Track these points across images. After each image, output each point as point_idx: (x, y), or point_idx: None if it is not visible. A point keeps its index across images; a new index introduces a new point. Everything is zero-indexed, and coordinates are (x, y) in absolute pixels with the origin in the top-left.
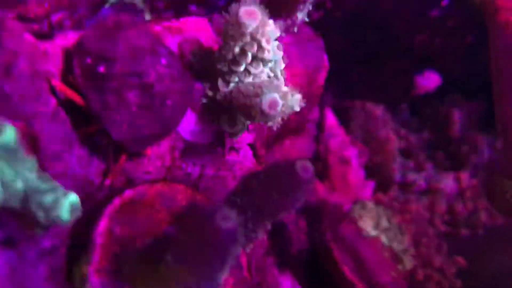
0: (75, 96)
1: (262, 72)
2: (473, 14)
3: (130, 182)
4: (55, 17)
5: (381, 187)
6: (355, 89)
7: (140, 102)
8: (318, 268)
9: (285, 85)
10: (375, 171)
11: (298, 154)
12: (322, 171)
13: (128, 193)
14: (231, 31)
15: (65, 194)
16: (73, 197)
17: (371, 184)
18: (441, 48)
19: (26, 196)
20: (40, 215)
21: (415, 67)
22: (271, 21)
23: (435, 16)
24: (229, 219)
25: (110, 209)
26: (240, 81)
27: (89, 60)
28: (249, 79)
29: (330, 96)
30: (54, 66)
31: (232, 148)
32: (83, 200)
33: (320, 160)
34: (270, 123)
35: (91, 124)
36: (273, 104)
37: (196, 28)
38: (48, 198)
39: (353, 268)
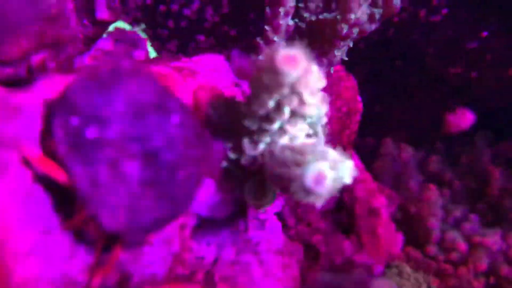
0: (55, 171)
1: (301, 130)
2: None
3: (126, 280)
4: (36, 58)
5: (412, 241)
6: (378, 125)
7: (143, 177)
8: None
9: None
10: (409, 224)
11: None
12: (347, 224)
13: None
14: (265, 80)
15: None
16: None
17: (400, 237)
18: (476, 82)
19: None
20: None
21: (446, 102)
22: (315, 67)
23: (472, 48)
24: None
25: None
26: (273, 142)
27: (75, 121)
28: (285, 140)
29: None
30: (29, 127)
31: (257, 220)
32: None
33: (344, 211)
34: (314, 201)
35: (76, 208)
36: (320, 178)
37: (212, 68)
38: None
39: None
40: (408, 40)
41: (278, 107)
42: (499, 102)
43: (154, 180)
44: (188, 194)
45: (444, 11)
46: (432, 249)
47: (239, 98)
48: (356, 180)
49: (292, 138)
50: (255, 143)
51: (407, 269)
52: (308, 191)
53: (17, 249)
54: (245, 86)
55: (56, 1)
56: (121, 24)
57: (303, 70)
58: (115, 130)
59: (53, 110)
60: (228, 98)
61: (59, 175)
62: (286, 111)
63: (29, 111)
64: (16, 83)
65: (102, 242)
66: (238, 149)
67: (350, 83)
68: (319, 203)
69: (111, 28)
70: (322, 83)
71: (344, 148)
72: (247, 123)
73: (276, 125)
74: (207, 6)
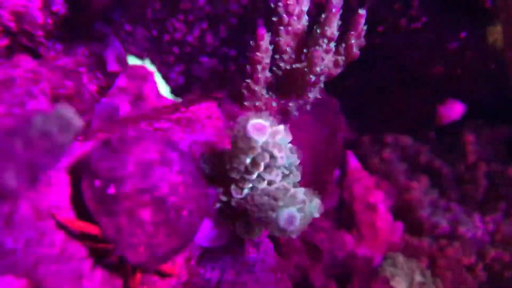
0: (87, 227)
1: (277, 175)
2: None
3: None
4: None
5: (409, 229)
6: (374, 124)
7: (155, 219)
8: None
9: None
10: (403, 214)
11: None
12: (348, 220)
13: None
14: (240, 145)
15: None
16: None
17: (399, 226)
18: (462, 77)
19: None
20: None
21: (435, 97)
22: (281, 127)
23: (453, 48)
24: None
25: None
26: (254, 187)
27: (98, 183)
28: (264, 184)
29: (349, 132)
30: (58, 194)
31: (252, 244)
32: None
33: (345, 208)
34: (289, 236)
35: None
36: (291, 220)
37: (207, 115)
38: None
39: None
40: (394, 46)
41: (254, 162)
42: (485, 93)
43: (164, 220)
44: (193, 227)
45: (424, 19)
46: (426, 239)
47: (228, 142)
48: (353, 179)
49: (270, 182)
50: (240, 188)
51: (400, 258)
52: (282, 231)
53: None
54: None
55: (74, 83)
56: (131, 59)
57: (270, 134)
58: (129, 186)
59: (80, 176)
60: (216, 151)
61: (92, 229)
62: (261, 165)
63: (57, 182)
64: None
65: (128, 277)
66: (228, 193)
67: (332, 107)
68: (294, 236)
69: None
70: (289, 138)
71: (331, 161)
72: (231, 174)
73: (254, 176)
74: (207, 33)
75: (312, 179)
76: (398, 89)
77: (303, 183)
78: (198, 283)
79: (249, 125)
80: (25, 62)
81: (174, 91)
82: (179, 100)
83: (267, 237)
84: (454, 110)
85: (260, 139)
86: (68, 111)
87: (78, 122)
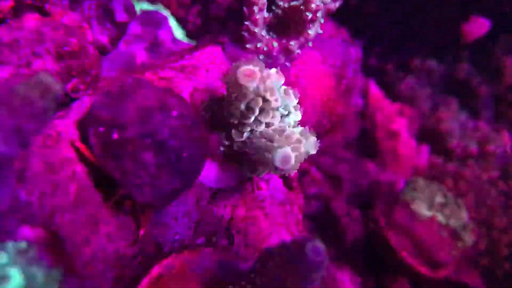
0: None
1: (274, 117)
2: None
3: (160, 248)
4: (69, 85)
5: (437, 151)
6: (399, 49)
7: (157, 162)
8: (376, 254)
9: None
10: (430, 138)
11: (342, 146)
12: (372, 148)
13: (155, 270)
14: (233, 93)
15: None
16: None
17: (425, 149)
18: None
19: None
20: None
21: (461, 15)
22: (272, 71)
23: None
24: None
25: None
26: (253, 130)
27: (102, 129)
28: (262, 127)
29: (376, 60)
30: (69, 148)
31: (262, 180)
32: (118, 277)
33: (368, 137)
34: (286, 173)
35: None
36: (286, 159)
37: (210, 61)
38: None
39: (411, 251)
40: None
41: (248, 107)
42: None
43: (166, 162)
44: (194, 168)
45: None
46: (452, 161)
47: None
48: (375, 108)
49: (268, 124)
50: (240, 132)
51: (420, 182)
52: (279, 170)
53: (73, 243)
54: None
55: (77, 40)
56: (144, 6)
57: (260, 80)
58: (131, 131)
59: (86, 125)
60: (215, 98)
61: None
62: (256, 109)
63: (67, 131)
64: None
65: (140, 216)
66: (229, 137)
67: (341, 38)
68: (291, 173)
69: (137, 8)
70: (281, 80)
71: (345, 93)
72: (230, 120)
73: (251, 119)
74: None
75: (324, 113)
76: (422, 11)
77: (314, 119)
78: (212, 221)
79: (238, 72)
80: (29, 23)
81: (193, 33)
82: (195, 43)
83: None
84: (479, 26)
85: (250, 85)
86: (48, 77)
87: (58, 87)
